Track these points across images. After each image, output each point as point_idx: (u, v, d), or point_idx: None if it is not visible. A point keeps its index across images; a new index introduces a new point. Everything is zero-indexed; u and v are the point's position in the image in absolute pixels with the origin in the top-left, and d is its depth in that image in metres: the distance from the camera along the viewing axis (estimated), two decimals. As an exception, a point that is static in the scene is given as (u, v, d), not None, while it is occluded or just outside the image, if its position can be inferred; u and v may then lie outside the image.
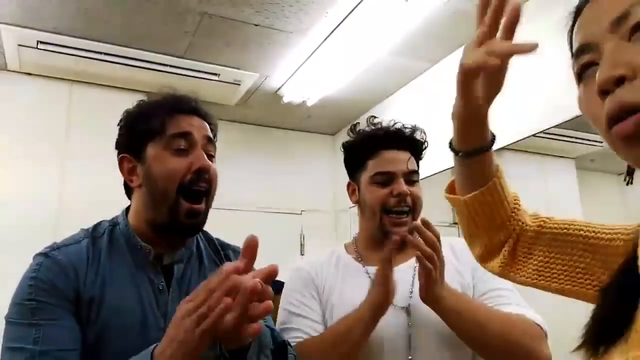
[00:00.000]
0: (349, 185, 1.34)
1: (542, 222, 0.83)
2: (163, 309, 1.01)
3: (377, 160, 1.26)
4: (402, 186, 1.22)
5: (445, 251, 1.13)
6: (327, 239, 3.98)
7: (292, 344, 1.14)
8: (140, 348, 0.86)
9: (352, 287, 1.22)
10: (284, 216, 3.88)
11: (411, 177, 1.25)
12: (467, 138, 0.77)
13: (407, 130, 1.29)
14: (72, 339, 0.92)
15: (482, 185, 0.80)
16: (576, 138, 2.75)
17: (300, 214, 3.94)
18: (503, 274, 0.86)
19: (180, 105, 1.07)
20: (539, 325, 1.10)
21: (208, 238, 1.17)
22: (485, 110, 0.75)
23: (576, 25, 0.57)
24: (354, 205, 1.35)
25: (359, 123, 1.33)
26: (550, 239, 0.81)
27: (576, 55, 0.56)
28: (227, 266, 0.80)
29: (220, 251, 1.16)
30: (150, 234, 1.04)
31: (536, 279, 0.81)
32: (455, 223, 3.74)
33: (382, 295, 1.10)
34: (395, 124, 1.29)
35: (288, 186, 3.92)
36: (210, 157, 1.06)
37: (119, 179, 1.10)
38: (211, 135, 1.09)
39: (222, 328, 0.78)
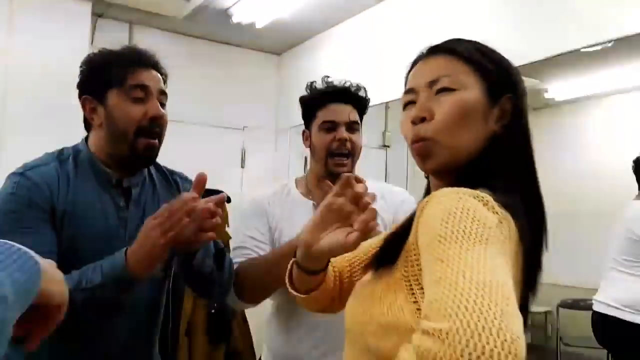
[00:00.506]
0: (303, 132, 1.56)
1: (348, 266, 1.00)
2: (123, 223, 1.23)
3: (325, 111, 1.48)
4: (342, 133, 1.45)
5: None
6: (268, 154, 4.14)
7: (241, 260, 1.42)
8: (106, 254, 1.10)
9: (300, 218, 1.39)
10: (227, 131, 3.98)
11: (352, 126, 1.48)
12: (310, 263, 0.89)
13: (352, 87, 1.52)
14: (51, 243, 1.12)
15: (316, 287, 0.93)
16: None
17: (243, 129, 4.06)
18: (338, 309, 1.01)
19: (140, 60, 1.24)
20: None
21: (157, 166, 1.37)
22: (323, 258, 0.89)
23: (410, 73, 0.89)
24: (307, 148, 1.58)
25: (315, 81, 1.54)
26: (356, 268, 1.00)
27: (405, 93, 0.87)
28: (186, 195, 1.07)
29: (169, 177, 1.38)
30: (110, 162, 1.24)
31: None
32: (385, 145, 4.05)
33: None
34: (344, 82, 1.53)
35: (232, 102, 3.99)
36: (163, 105, 1.26)
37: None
38: (164, 88, 1.27)
39: (182, 240, 1.05)
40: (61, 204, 1.15)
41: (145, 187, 1.30)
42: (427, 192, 0.90)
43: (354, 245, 0.79)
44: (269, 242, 1.47)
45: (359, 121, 1.51)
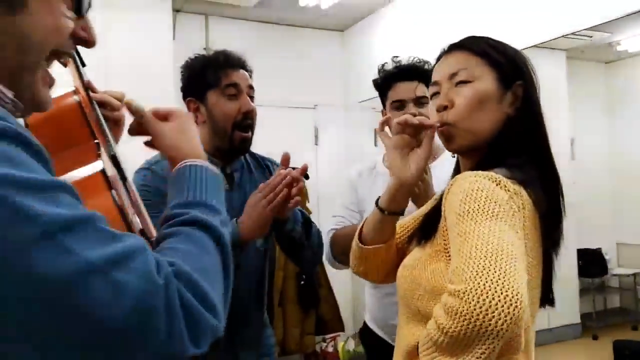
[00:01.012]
0: (382, 112, 1.68)
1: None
2: (230, 203, 1.42)
3: (393, 91, 1.59)
4: (410, 110, 1.54)
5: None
6: (339, 131, 4.24)
7: (337, 227, 1.66)
8: None
9: (379, 188, 1.51)
10: (298, 110, 4.12)
11: (420, 100, 1.55)
12: (394, 202, 1.03)
13: (418, 63, 1.60)
14: None
15: (386, 240, 1.06)
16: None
17: (314, 108, 4.18)
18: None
19: (230, 62, 1.43)
20: None
21: (251, 153, 1.57)
22: (414, 185, 1.05)
23: (434, 68, 1.03)
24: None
25: (385, 63, 1.65)
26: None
27: (430, 85, 1.02)
28: (282, 172, 1.28)
29: (261, 162, 1.58)
30: (214, 152, 1.43)
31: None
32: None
33: None
34: (410, 59, 1.62)
35: (302, 82, 4.10)
36: (252, 98, 1.45)
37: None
38: (252, 83, 1.46)
39: (282, 208, 1.26)
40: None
41: (244, 172, 1.50)
42: (457, 169, 1.05)
43: (428, 146, 0.99)
44: (359, 212, 1.66)
45: (427, 95, 1.56)
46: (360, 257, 1.10)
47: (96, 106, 0.83)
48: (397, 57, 1.63)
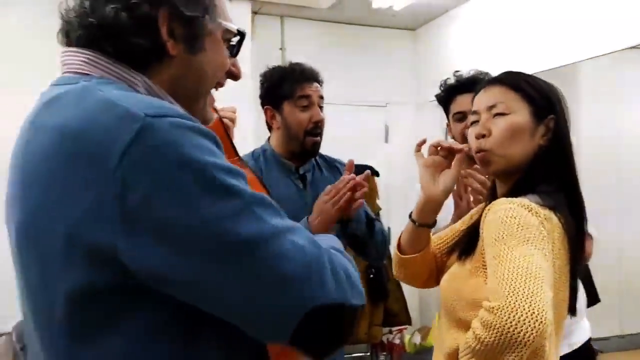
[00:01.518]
0: (447, 124, 1.76)
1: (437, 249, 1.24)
2: (304, 200, 1.58)
3: (454, 104, 1.68)
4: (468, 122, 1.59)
5: None
6: (410, 129, 4.25)
7: None
8: None
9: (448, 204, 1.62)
10: (370, 109, 4.18)
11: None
12: (423, 215, 1.15)
13: (479, 76, 1.67)
14: None
15: (420, 250, 1.18)
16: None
17: (385, 106, 4.21)
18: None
19: (303, 76, 1.60)
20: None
21: (321, 155, 1.73)
22: (441, 202, 1.15)
23: (475, 98, 1.14)
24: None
25: (448, 78, 1.72)
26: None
27: (471, 113, 1.13)
28: (346, 177, 1.42)
29: (331, 163, 1.73)
30: (288, 155, 1.63)
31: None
32: None
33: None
34: (470, 72, 1.71)
35: (373, 81, 4.14)
36: (321, 108, 1.62)
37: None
38: (322, 94, 1.63)
39: (346, 209, 1.40)
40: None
41: (315, 172, 1.66)
42: (493, 191, 1.15)
43: (457, 167, 1.13)
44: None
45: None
46: (399, 265, 1.22)
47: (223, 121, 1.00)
48: (458, 71, 1.71)
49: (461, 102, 1.63)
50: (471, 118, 1.13)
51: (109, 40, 0.67)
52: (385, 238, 1.61)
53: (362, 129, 4.09)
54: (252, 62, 3.45)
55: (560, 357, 1.49)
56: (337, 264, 0.64)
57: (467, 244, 1.05)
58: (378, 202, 3.66)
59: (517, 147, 1.05)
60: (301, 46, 4.01)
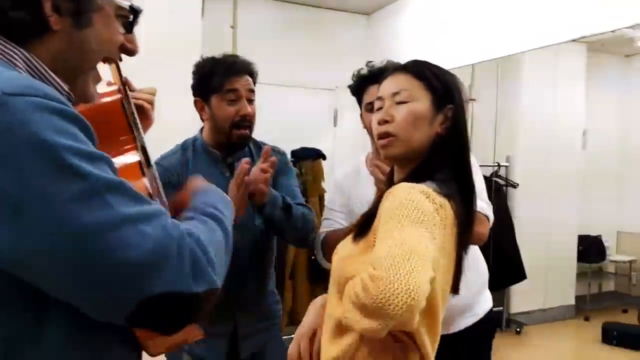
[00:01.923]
0: (360, 114, 1.79)
1: None
2: (228, 188, 1.59)
3: (367, 93, 1.70)
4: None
5: None
6: (358, 113, 4.30)
7: (327, 230, 1.71)
8: None
9: (364, 192, 1.63)
10: (320, 91, 4.21)
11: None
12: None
13: (390, 66, 1.66)
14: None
15: None
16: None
17: (335, 89, 4.26)
18: None
19: (233, 69, 1.59)
20: (478, 211, 1.40)
21: (256, 143, 1.74)
22: None
23: (381, 84, 1.18)
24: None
25: (362, 69, 1.77)
26: None
27: (377, 99, 1.18)
28: (244, 166, 1.42)
29: (260, 147, 1.69)
30: (216, 145, 1.65)
31: None
32: (472, 99, 4.11)
33: None
34: (383, 62, 1.75)
35: (324, 64, 4.14)
36: (251, 101, 1.63)
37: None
38: (253, 87, 1.63)
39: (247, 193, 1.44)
40: (182, 180, 1.50)
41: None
42: (390, 176, 1.21)
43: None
44: (348, 212, 1.72)
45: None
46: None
47: (131, 101, 0.99)
48: (371, 61, 1.76)
49: (373, 93, 1.59)
50: (376, 104, 1.18)
51: None
52: (306, 224, 1.62)
53: (311, 112, 4.13)
54: (202, 40, 3.40)
55: (467, 327, 1.63)
56: (187, 250, 0.65)
57: (364, 224, 1.09)
58: (324, 184, 3.74)
59: (417, 134, 1.10)
60: (253, 26, 3.98)
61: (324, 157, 3.85)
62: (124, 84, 0.97)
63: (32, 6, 0.67)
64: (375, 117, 1.15)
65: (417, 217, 0.94)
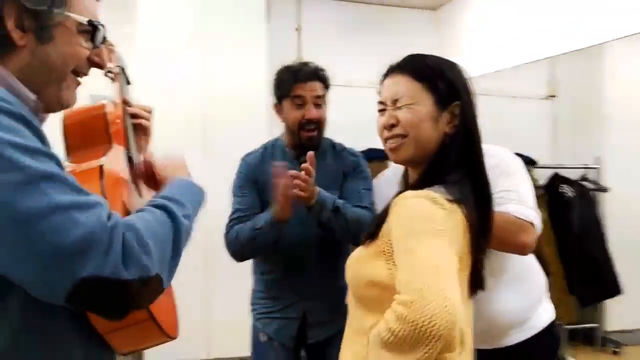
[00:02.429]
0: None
1: None
2: None
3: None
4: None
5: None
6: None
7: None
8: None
9: None
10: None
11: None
12: None
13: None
14: (256, 204, 1.77)
15: None
16: None
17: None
18: None
19: (298, 76, 1.74)
20: (522, 219, 1.37)
21: (331, 143, 1.88)
22: None
23: (381, 85, 1.15)
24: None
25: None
26: None
27: (378, 102, 1.14)
28: (292, 172, 1.56)
29: (339, 152, 1.86)
30: (292, 146, 1.82)
31: None
32: (551, 96, 3.83)
33: None
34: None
35: (393, 60, 3.99)
36: (318, 105, 1.76)
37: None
38: (320, 93, 1.76)
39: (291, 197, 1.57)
40: (260, 178, 1.78)
41: (319, 160, 1.71)
42: (405, 176, 1.18)
43: None
44: None
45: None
46: None
47: (128, 117, 1.10)
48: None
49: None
50: (379, 106, 1.15)
51: None
52: (361, 225, 1.60)
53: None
54: (266, 44, 3.34)
55: (522, 342, 1.53)
56: (118, 238, 0.69)
57: (372, 230, 1.07)
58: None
59: (425, 134, 1.06)
60: (318, 27, 3.88)
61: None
62: (124, 102, 1.09)
63: None
64: (379, 121, 1.13)
65: (431, 228, 0.93)
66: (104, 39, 0.89)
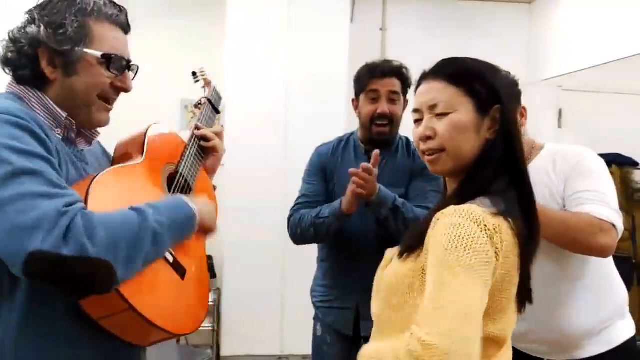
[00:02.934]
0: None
1: None
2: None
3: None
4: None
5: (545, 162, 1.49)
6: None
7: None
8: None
9: None
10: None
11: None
12: None
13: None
14: (322, 192, 1.84)
15: None
16: None
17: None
18: None
19: (374, 72, 1.77)
20: (602, 219, 1.31)
21: (406, 141, 1.89)
22: None
23: (416, 93, 1.07)
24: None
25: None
26: None
27: (413, 111, 1.08)
28: (352, 170, 1.60)
29: (411, 151, 1.86)
30: (365, 141, 1.86)
31: None
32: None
33: None
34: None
35: (483, 58, 3.84)
36: (393, 101, 1.77)
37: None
38: (396, 89, 1.77)
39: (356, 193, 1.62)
40: (330, 167, 1.86)
41: (390, 156, 1.83)
42: (444, 185, 1.11)
43: None
44: None
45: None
46: None
47: (196, 141, 1.30)
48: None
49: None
50: (414, 116, 1.08)
51: (13, 72, 1.01)
52: (407, 224, 1.63)
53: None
54: (350, 44, 3.34)
55: (597, 355, 1.46)
56: (66, 221, 0.81)
57: (411, 244, 1.00)
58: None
59: (465, 145, 0.99)
60: (403, 26, 3.82)
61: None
62: (195, 127, 1.33)
63: (32, 65, 0.98)
64: (415, 132, 1.07)
65: (467, 260, 0.86)
66: (127, 67, 1.06)
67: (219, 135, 1.35)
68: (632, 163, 3.58)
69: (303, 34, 3.35)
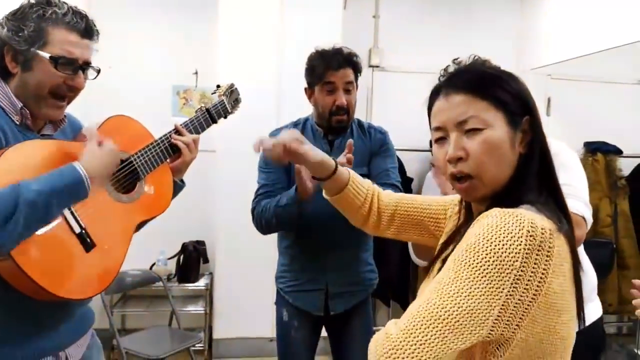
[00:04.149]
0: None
1: (396, 204, 1.22)
2: None
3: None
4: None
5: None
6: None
7: None
8: None
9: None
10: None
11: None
12: (317, 173, 1.19)
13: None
14: (282, 179, 1.80)
15: (338, 193, 1.21)
16: None
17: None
18: (377, 233, 1.26)
19: (330, 63, 1.74)
20: (575, 213, 1.35)
21: (360, 123, 1.92)
22: (314, 162, 1.15)
23: (433, 109, 0.94)
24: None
25: (449, 66, 1.63)
26: (403, 215, 1.22)
27: (434, 129, 0.93)
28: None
29: (366, 130, 1.90)
30: (321, 127, 1.86)
31: (397, 234, 1.24)
32: None
33: None
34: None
35: (472, 48, 3.80)
36: (348, 91, 1.78)
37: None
38: (351, 79, 1.78)
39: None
40: None
41: (345, 137, 1.82)
42: (468, 209, 1.01)
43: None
44: None
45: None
46: (344, 210, 1.27)
47: (166, 138, 1.45)
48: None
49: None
50: (435, 134, 0.93)
51: None
52: None
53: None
54: (343, 31, 3.32)
55: None
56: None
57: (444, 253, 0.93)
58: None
59: (501, 165, 0.87)
60: (396, 14, 3.79)
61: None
62: (175, 127, 1.49)
63: (1, 59, 1.18)
64: (441, 152, 0.91)
65: (483, 269, 0.75)
66: (80, 68, 1.20)
67: (195, 141, 1.50)
68: (616, 151, 3.62)
69: (295, 20, 3.33)
